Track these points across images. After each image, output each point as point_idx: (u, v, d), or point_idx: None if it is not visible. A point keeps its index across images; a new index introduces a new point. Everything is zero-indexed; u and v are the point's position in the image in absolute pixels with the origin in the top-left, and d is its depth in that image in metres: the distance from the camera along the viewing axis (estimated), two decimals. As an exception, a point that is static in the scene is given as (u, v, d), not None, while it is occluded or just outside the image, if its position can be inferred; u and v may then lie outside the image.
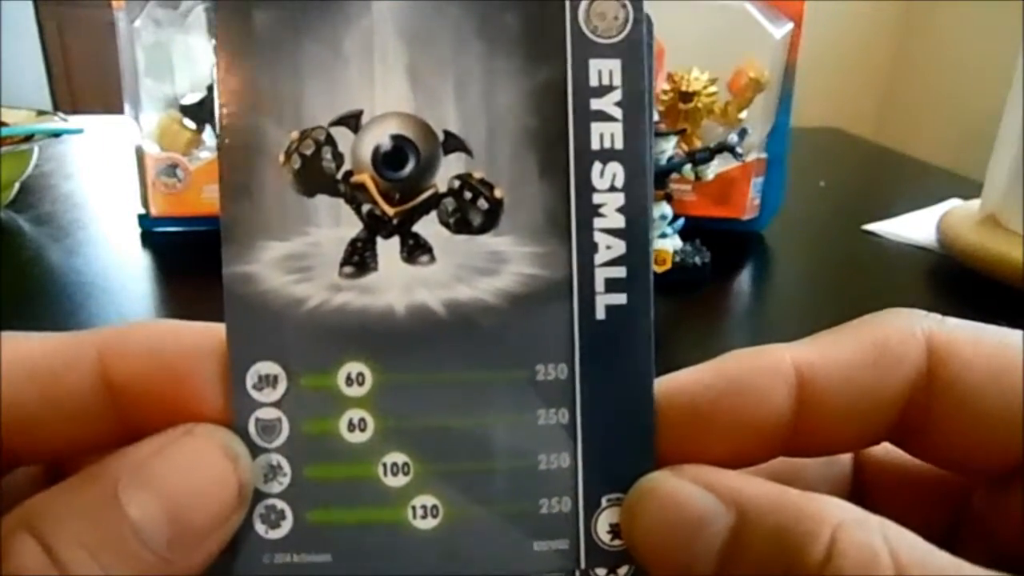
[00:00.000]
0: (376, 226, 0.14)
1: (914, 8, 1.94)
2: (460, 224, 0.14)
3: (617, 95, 0.14)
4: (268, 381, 0.14)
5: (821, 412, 0.14)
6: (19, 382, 0.14)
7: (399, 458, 0.14)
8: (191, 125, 0.50)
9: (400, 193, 0.14)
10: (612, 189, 0.14)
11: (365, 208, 0.14)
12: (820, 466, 0.17)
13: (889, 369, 0.14)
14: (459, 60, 0.14)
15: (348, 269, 0.14)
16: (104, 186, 0.62)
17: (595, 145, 0.14)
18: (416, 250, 0.14)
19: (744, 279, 0.49)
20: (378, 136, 0.14)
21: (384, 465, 0.14)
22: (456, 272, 0.14)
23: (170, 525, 0.13)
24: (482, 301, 0.14)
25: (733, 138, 0.52)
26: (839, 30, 1.86)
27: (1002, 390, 0.14)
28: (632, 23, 0.14)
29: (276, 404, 0.14)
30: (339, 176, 0.14)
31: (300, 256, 0.14)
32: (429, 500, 0.14)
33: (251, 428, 0.14)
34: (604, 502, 0.15)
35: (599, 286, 0.14)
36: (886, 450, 0.16)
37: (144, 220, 0.50)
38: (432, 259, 0.14)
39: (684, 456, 0.14)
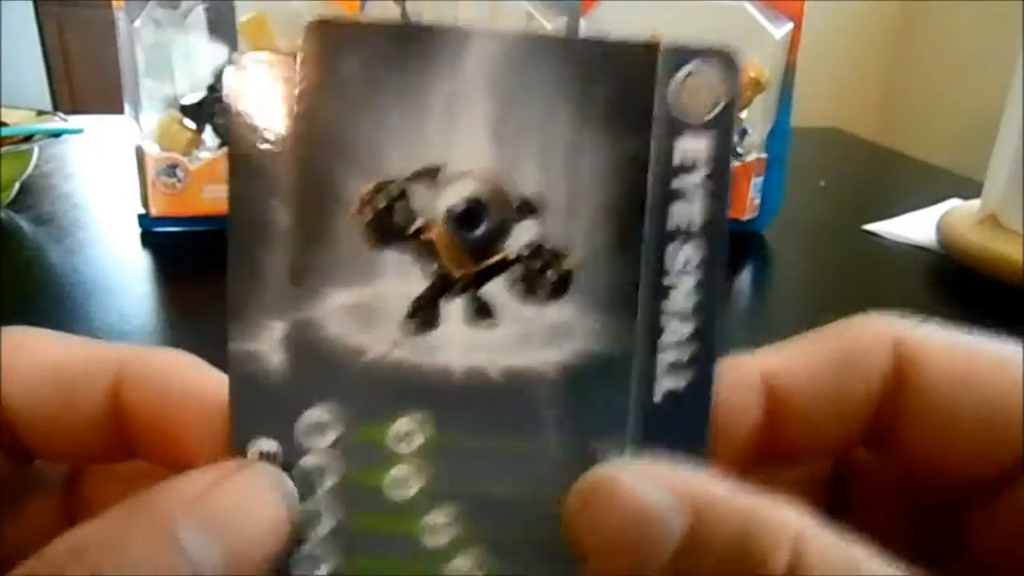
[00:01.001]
0: (442, 285, 0.14)
1: (914, 8, 1.94)
2: (527, 292, 0.14)
3: (699, 176, 0.14)
4: (318, 428, 0.14)
5: (790, 420, 0.14)
6: (42, 383, 0.14)
7: (441, 519, 0.14)
8: (191, 125, 0.50)
9: (470, 254, 0.14)
10: (684, 271, 0.14)
11: (433, 267, 0.14)
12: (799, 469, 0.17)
13: (856, 374, 0.14)
14: (546, 125, 0.14)
15: (411, 325, 0.14)
16: (104, 186, 0.61)
17: (671, 225, 0.14)
18: (480, 313, 0.14)
19: (744, 279, 0.49)
20: (454, 194, 0.14)
21: (426, 525, 0.14)
22: (517, 340, 0.14)
23: (226, 562, 0.12)
24: (540, 372, 0.14)
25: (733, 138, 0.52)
26: (839, 30, 1.86)
27: (971, 397, 0.14)
28: (723, 106, 0.14)
29: (323, 452, 0.14)
30: (410, 232, 0.14)
31: (364, 307, 0.14)
32: (465, 564, 0.14)
33: (295, 474, 0.14)
34: None
35: (660, 369, 0.14)
36: (861, 455, 0.16)
37: (144, 220, 0.50)
38: (494, 324, 0.14)
39: None
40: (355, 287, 0.14)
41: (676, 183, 0.14)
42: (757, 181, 0.52)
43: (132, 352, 0.15)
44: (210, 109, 0.50)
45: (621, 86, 0.14)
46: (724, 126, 0.14)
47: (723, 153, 0.14)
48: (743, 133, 0.52)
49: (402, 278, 0.14)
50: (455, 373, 0.14)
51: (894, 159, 0.85)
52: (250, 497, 0.13)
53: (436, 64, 0.14)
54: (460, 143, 0.14)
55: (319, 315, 0.14)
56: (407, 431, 0.14)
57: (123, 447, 0.15)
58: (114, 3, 0.47)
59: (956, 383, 0.14)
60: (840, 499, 0.16)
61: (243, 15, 0.50)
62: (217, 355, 0.16)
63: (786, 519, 0.12)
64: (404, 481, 0.14)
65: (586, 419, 0.14)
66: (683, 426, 0.14)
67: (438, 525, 0.14)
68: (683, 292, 0.14)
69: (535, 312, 0.14)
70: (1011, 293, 0.43)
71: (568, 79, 0.14)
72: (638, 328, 0.14)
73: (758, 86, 0.51)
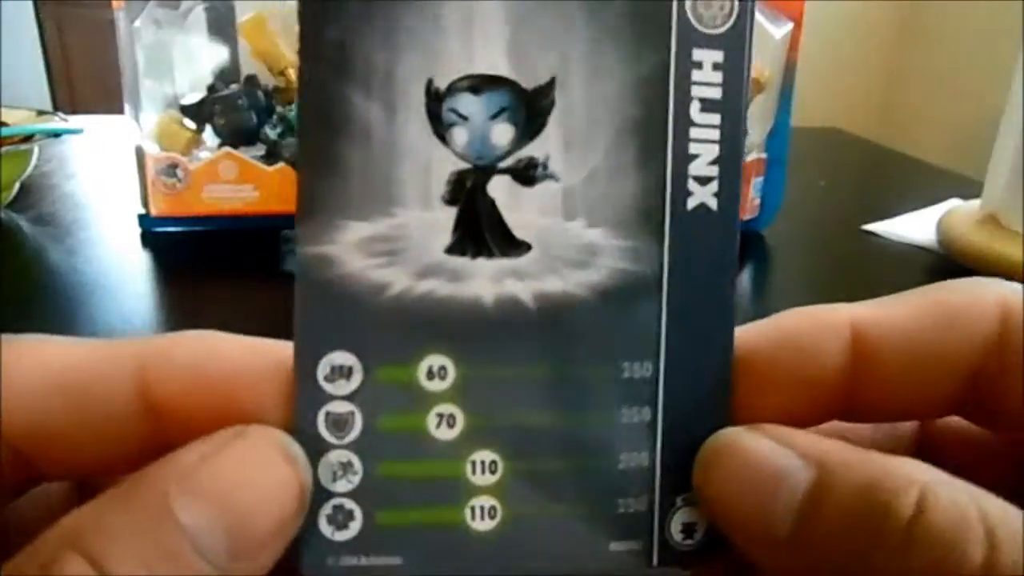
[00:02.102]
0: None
1: (914, 8, 1.94)
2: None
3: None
4: (341, 372, 0.14)
5: (879, 373, 0.14)
6: (46, 393, 0.13)
7: (487, 456, 0.14)
8: (191, 125, 0.50)
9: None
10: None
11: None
12: (881, 435, 0.16)
13: (957, 334, 0.13)
14: (563, 42, 0.13)
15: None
16: (104, 186, 0.61)
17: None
18: (530, 174, 0.14)
19: (744, 279, 0.49)
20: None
21: (473, 463, 0.14)
22: (549, 263, 0.14)
23: (229, 535, 0.12)
24: (572, 295, 0.14)
25: (733, 138, 0.52)
26: (839, 30, 1.86)
27: None
28: (737, 13, 0.14)
29: (349, 397, 0.14)
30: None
31: (384, 239, 0.13)
32: (510, 498, 0.14)
33: (320, 423, 0.13)
34: (679, 501, 0.14)
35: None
36: (952, 421, 0.15)
37: (144, 220, 0.50)
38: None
39: (741, 414, 0.14)
40: (372, 218, 0.13)
41: (696, 92, 0.14)
42: (757, 181, 0.52)
43: (148, 345, 0.13)
44: (210, 109, 0.50)
45: (638, 1, 0.14)
46: (740, 33, 0.14)
47: (740, 60, 0.14)
48: (743, 133, 0.52)
49: (424, 206, 0.14)
50: (487, 303, 0.14)
51: (894, 159, 0.85)
52: (249, 464, 0.12)
53: None
54: (477, 63, 0.13)
55: (333, 251, 0.13)
56: (439, 367, 0.14)
57: (149, 448, 0.13)
58: (114, 3, 0.47)
59: None
60: None
61: (243, 15, 0.50)
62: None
63: (912, 470, 0.12)
64: (447, 420, 0.14)
65: (618, 338, 0.14)
66: (713, 342, 0.14)
67: (485, 463, 0.14)
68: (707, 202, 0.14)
69: (565, 233, 0.14)
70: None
71: None
72: (665, 244, 0.14)
73: (758, 86, 0.51)
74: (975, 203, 0.51)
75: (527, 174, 0.14)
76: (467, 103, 0.14)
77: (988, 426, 0.15)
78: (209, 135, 0.51)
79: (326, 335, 0.13)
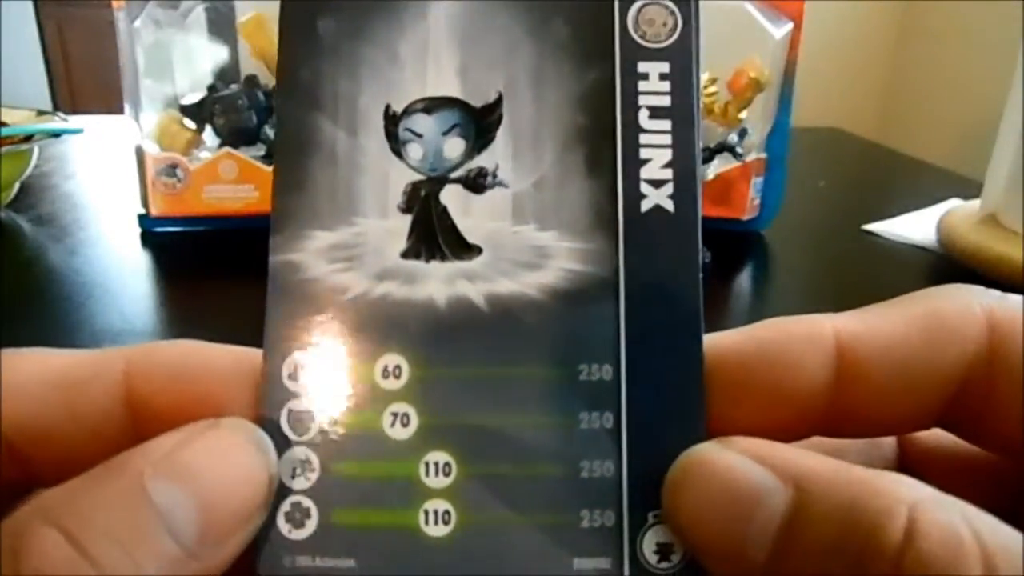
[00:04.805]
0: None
1: (914, 8, 1.94)
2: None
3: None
4: (301, 371, 0.14)
5: (863, 387, 0.13)
6: (44, 394, 0.14)
7: (441, 457, 0.14)
8: (191, 125, 0.50)
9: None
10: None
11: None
12: (862, 450, 0.16)
13: (943, 346, 0.13)
14: (509, 61, 0.15)
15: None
16: (104, 186, 0.61)
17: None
18: (480, 182, 0.15)
19: (744, 279, 0.49)
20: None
21: (426, 464, 0.14)
22: (499, 265, 0.14)
23: (200, 518, 0.12)
24: (525, 296, 0.14)
25: (733, 138, 0.52)
26: (839, 30, 1.86)
27: None
28: (681, 29, 0.14)
29: (309, 396, 0.14)
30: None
31: (345, 246, 0.14)
32: (459, 503, 0.14)
33: (283, 419, 0.14)
34: (651, 518, 0.14)
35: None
36: (934, 435, 0.15)
37: (144, 220, 0.50)
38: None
39: (717, 427, 0.13)
40: (335, 227, 0.14)
41: (644, 100, 0.14)
42: (757, 181, 0.52)
43: (134, 349, 0.14)
44: (210, 109, 0.50)
45: (582, 19, 0.15)
46: (685, 46, 0.14)
47: (687, 71, 0.14)
48: (743, 133, 0.52)
49: (382, 215, 0.15)
50: (439, 304, 0.14)
51: (894, 159, 0.85)
52: (221, 451, 0.13)
53: (403, 17, 0.15)
54: (430, 86, 0.15)
55: (301, 258, 0.14)
56: (394, 366, 0.14)
57: (134, 446, 0.14)
58: (114, 3, 0.47)
59: None
60: None
61: (243, 15, 0.50)
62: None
63: (899, 487, 0.11)
64: (401, 419, 0.14)
65: (575, 340, 0.14)
66: (677, 344, 0.14)
67: (438, 464, 0.14)
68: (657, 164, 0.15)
69: (516, 236, 0.15)
70: (1011, 293, 0.43)
71: (529, 18, 0.15)
72: (620, 245, 0.14)
73: (758, 86, 0.51)
74: (975, 203, 0.51)
75: (477, 182, 0.15)
76: (421, 122, 0.15)
77: (972, 439, 0.14)
78: (209, 135, 0.51)
79: (290, 336, 0.14)
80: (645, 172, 0.14)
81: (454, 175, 0.15)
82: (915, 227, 0.54)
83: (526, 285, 0.14)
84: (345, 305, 0.14)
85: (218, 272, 0.46)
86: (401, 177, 0.15)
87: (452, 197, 0.15)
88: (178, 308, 0.42)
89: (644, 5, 0.15)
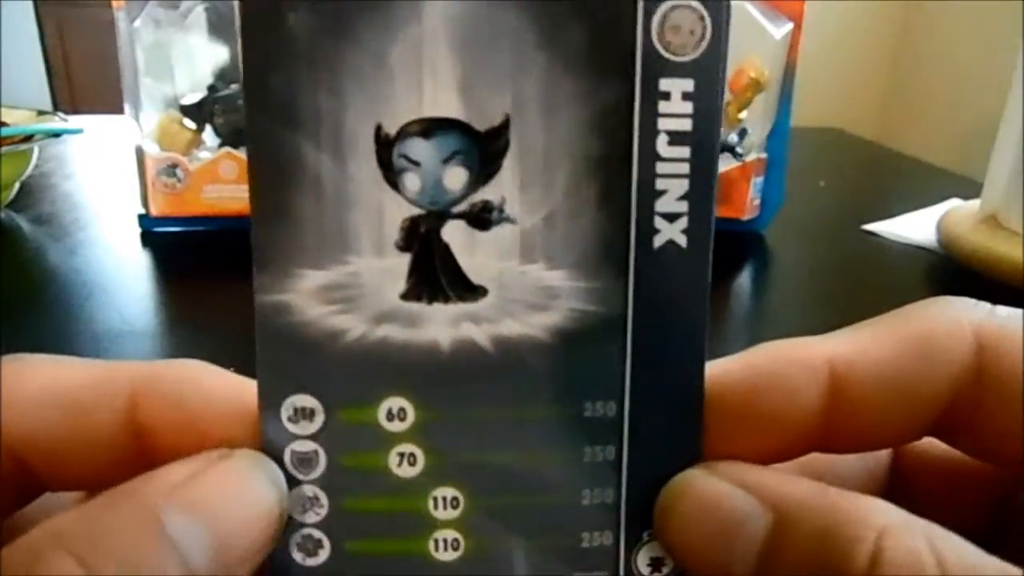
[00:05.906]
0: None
1: (914, 8, 1.94)
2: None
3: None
4: (304, 414, 0.14)
5: (856, 410, 0.14)
6: (49, 410, 0.14)
7: (449, 492, 0.14)
8: (191, 125, 0.50)
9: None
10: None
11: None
12: (856, 458, 0.16)
13: (933, 365, 0.13)
14: (518, 78, 0.13)
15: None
16: (104, 186, 0.61)
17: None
18: (485, 217, 0.13)
19: (744, 279, 0.49)
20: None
21: (435, 499, 0.14)
22: (506, 307, 0.14)
23: (213, 551, 0.12)
24: (531, 338, 0.14)
25: (733, 138, 0.52)
26: (839, 30, 1.86)
27: None
28: (709, 39, 0.13)
29: (313, 437, 0.14)
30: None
31: (339, 287, 0.13)
32: (471, 537, 0.14)
33: (287, 460, 0.14)
34: (645, 536, 0.14)
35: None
36: (926, 440, 0.15)
37: (144, 220, 0.50)
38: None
39: (711, 452, 0.14)
40: (326, 266, 0.13)
41: (663, 125, 0.13)
42: (757, 181, 0.52)
43: (143, 368, 0.14)
44: (210, 109, 0.50)
45: (600, 26, 0.13)
46: (713, 60, 0.13)
47: (713, 90, 0.13)
48: (743, 133, 0.52)
49: (377, 253, 0.13)
50: (443, 347, 0.14)
51: (894, 159, 0.85)
52: (235, 483, 0.13)
53: (393, 15, 0.12)
54: (427, 104, 0.13)
55: (290, 299, 0.13)
56: (399, 409, 0.14)
57: (139, 468, 0.14)
58: (114, 3, 0.47)
59: None
60: (899, 494, 0.16)
61: (243, 15, 0.50)
62: (218, 353, 0.16)
63: (869, 513, 0.12)
64: (408, 458, 0.14)
65: (580, 379, 0.14)
66: (679, 383, 0.14)
67: (447, 499, 0.14)
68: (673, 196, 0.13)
69: (523, 276, 0.14)
70: (1011, 293, 0.43)
71: (541, 24, 0.13)
72: (630, 283, 0.14)
73: (758, 86, 0.51)
74: (975, 203, 0.51)
75: (482, 218, 0.13)
76: (418, 148, 0.13)
77: (962, 448, 0.15)
78: (209, 135, 0.51)
79: (287, 379, 0.14)
80: (660, 205, 0.13)
81: (456, 209, 0.13)
82: (915, 227, 0.54)
83: (532, 327, 0.14)
84: (343, 349, 0.14)
85: (218, 272, 0.46)
86: (398, 210, 0.13)
87: (455, 234, 0.13)
88: (178, 308, 0.42)
89: (672, 8, 0.13)
